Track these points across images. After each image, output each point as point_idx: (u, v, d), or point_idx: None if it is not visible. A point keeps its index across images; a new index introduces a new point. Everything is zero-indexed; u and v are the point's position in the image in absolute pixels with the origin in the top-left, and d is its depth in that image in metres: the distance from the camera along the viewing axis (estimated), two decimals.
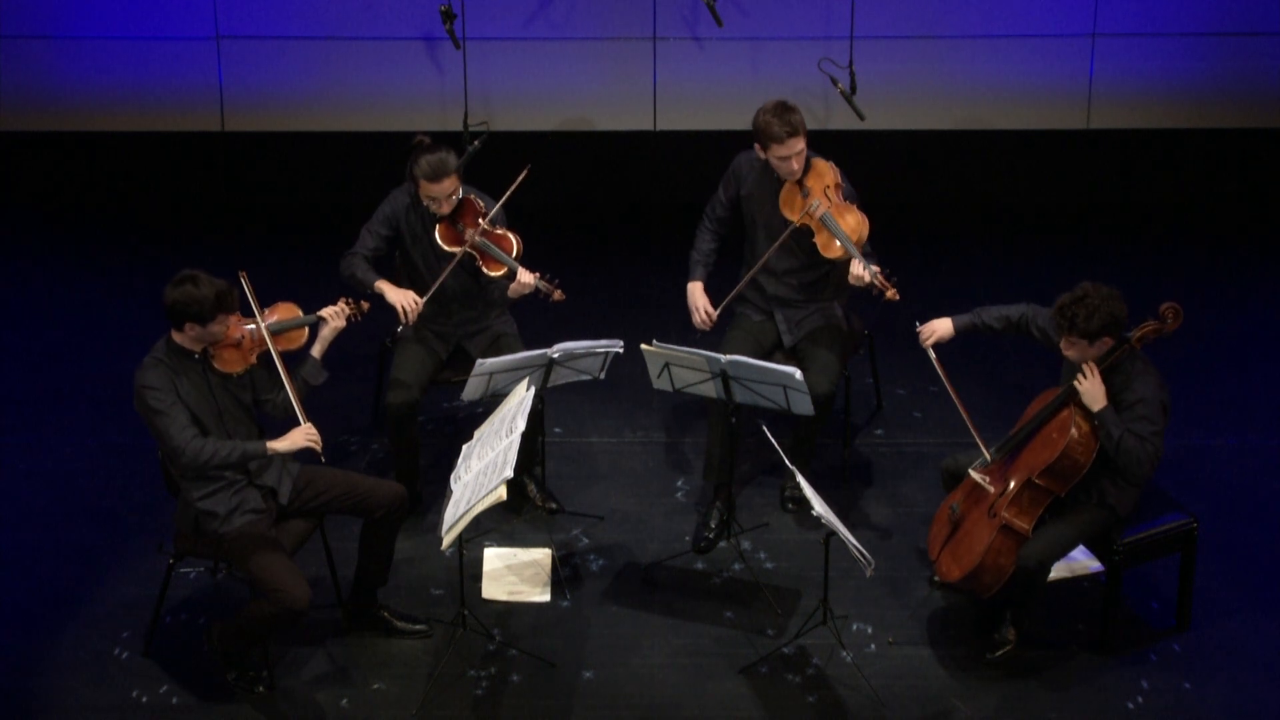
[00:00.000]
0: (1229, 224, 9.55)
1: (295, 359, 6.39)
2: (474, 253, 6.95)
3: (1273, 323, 8.63)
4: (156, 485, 6.71)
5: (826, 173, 6.95)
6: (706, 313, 7.10)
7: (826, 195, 6.90)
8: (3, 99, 9.57)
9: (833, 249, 6.86)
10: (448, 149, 6.89)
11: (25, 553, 6.99)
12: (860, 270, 6.73)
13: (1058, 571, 6.73)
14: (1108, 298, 6.09)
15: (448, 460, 6.74)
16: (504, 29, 9.42)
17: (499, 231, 7.00)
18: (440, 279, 6.95)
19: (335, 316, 6.45)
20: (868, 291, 6.78)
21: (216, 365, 6.18)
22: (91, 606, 6.69)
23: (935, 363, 6.52)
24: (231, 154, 9.67)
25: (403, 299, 6.93)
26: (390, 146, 9.56)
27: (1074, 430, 6.15)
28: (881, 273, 6.71)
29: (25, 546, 7.02)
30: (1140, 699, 6.28)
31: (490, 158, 8.92)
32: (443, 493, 6.49)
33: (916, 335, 6.68)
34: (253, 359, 6.25)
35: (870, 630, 6.58)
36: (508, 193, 6.97)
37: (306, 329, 6.41)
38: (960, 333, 6.64)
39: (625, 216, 9.67)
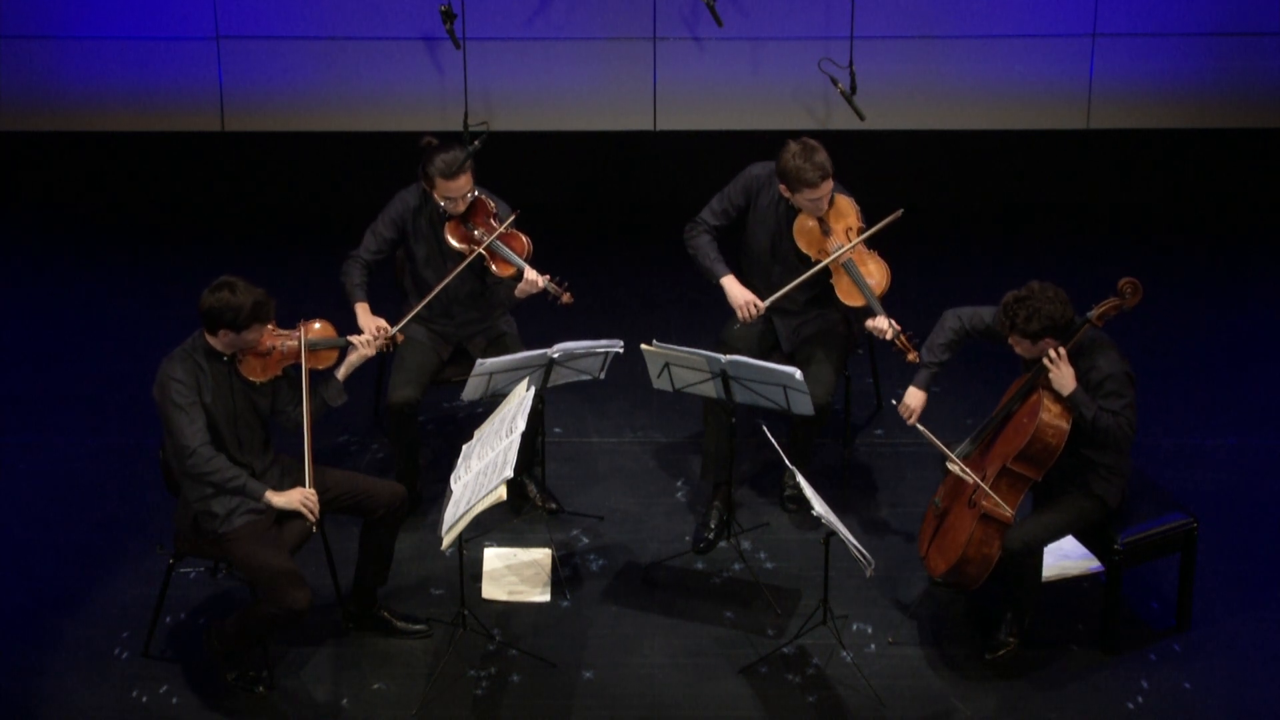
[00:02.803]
0: (1229, 224, 9.55)
1: (319, 378, 6.39)
2: (485, 253, 6.95)
3: (1272, 323, 8.63)
4: (156, 485, 6.71)
5: (849, 212, 6.92)
6: (755, 305, 7.01)
7: (848, 237, 6.87)
8: (3, 99, 9.57)
9: (854, 298, 6.83)
10: (460, 147, 6.90)
11: (25, 553, 6.99)
12: (883, 324, 6.71)
13: (1058, 571, 6.73)
14: (1050, 300, 6.11)
15: (448, 460, 6.75)
16: (504, 29, 9.41)
17: (510, 232, 7.00)
18: (449, 278, 6.94)
19: (365, 345, 6.47)
20: (891, 347, 6.77)
21: (242, 370, 6.19)
22: (91, 606, 6.69)
23: (929, 436, 6.46)
24: (231, 154, 9.67)
25: (372, 327, 6.85)
26: (390, 146, 9.58)
27: (1043, 414, 6.17)
28: (903, 333, 6.69)
29: (25, 546, 7.02)
30: (1140, 699, 6.28)
31: (490, 158, 8.91)
32: (443, 493, 6.49)
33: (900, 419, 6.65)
34: (278, 370, 6.26)
35: (870, 630, 6.58)
36: (500, 228, 6.96)
37: (337, 350, 6.41)
38: (928, 388, 6.62)
39: (625, 216, 9.67)
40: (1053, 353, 6.17)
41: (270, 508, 6.16)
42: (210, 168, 9.70)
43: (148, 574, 6.76)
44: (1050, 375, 6.19)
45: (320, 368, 6.37)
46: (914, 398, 6.64)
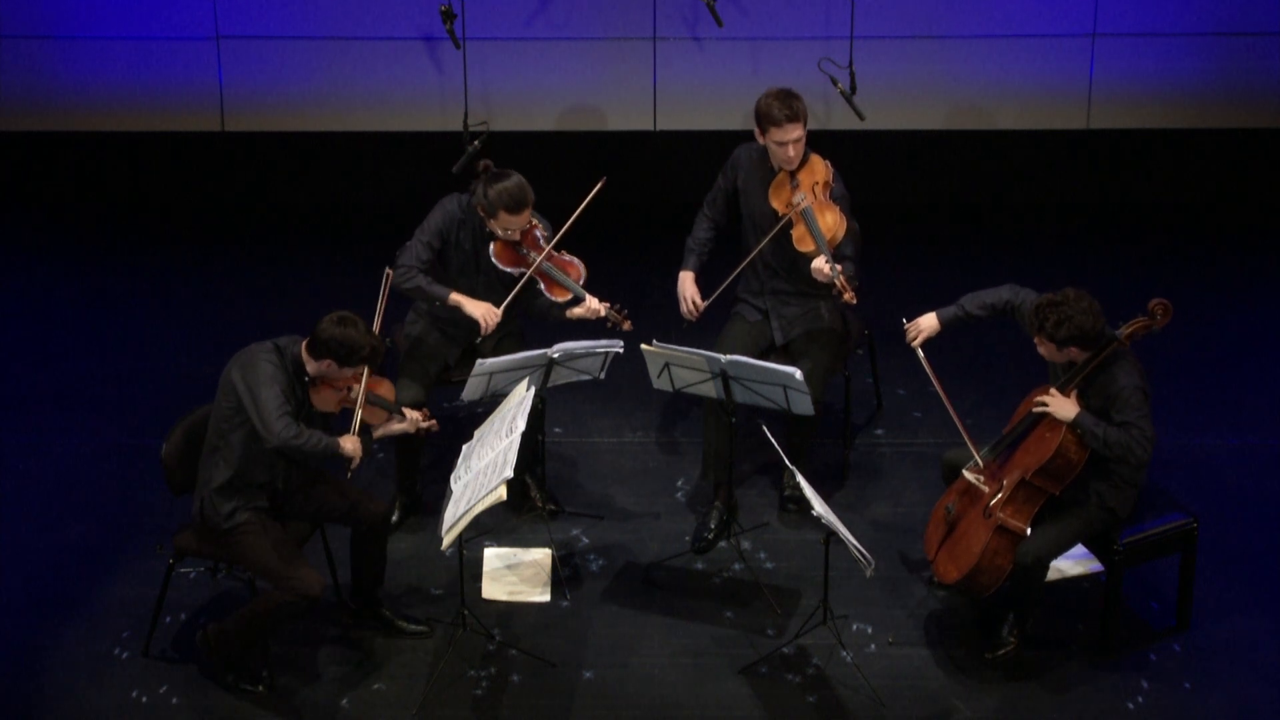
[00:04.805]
0: (1229, 224, 9.55)
1: (347, 421, 6.40)
2: (537, 276, 6.93)
3: (1273, 322, 8.63)
4: (156, 485, 6.71)
5: (820, 170, 6.97)
6: (694, 303, 7.13)
7: (814, 191, 6.92)
8: (3, 99, 9.57)
9: (806, 243, 6.88)
10: (519, 175, 6.86)
11: (25, 553, 6.99)
12: (823, 265, 6.75)
13: (1058, 571, 6.73)
14: (1083, 311, 6.06)
15: (448, 460, 6.75)
16: (504, 29, 9.42)
17: (564, 257, 6.99)
18: (510, 297, 6.91)
19: (410, 424, 6.45)
20: (830, 290, 6.80)
21: (311, 395, 6.22)
22: (91, 606, 6.69)
23: (924, 361, 6.50)
24: (231, 154, 9.67)
25: (484, 311, 6.88)
26: (390, 146, 9.58)
27: (1066, 429, 6.15)
28: (844, 273, 6.72)
29: (25, 546, 7.02)
30: (1140, 699, 6.28)
31: (490, 158, 8.91)
32: (443, 493, 6.50)
33: (904, 334, 6.68)
34: (338, 409, 6.31)
35: (870, 630, 6.58)
36: (582, 205, 6.95)
37: (387, 412, 6.41)
38: (946, 326, 6.63)
39: (625, 216, 9.67)
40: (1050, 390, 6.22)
41: (343, 454, 6.19)
42: (210, 168, 9.71)
43: (148, 574, 6.75)
44: (1049, 410, 6.18)
45: (369, 423, 6.38)
46: (927, 321, 6.64)
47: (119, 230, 9.53)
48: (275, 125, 9.62)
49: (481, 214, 6.87)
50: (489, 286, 6.98)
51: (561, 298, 6.97)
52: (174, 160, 9.68)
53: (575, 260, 7.02)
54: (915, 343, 6.61)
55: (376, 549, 6.46)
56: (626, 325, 6.96)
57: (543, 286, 6.96)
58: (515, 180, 6.82)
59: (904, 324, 6.67)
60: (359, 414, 6.28)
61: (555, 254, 6.97)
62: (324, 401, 6.26)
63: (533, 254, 6.93)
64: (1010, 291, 6.53)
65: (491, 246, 6.93)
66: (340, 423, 6.34)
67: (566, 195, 9.72)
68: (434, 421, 6.54)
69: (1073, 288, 6.13)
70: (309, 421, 6.25)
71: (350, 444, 6.22)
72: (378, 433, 6.43)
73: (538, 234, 6.97)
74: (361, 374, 6.25)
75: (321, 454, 6.16)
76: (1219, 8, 9.43)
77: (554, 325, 7.39)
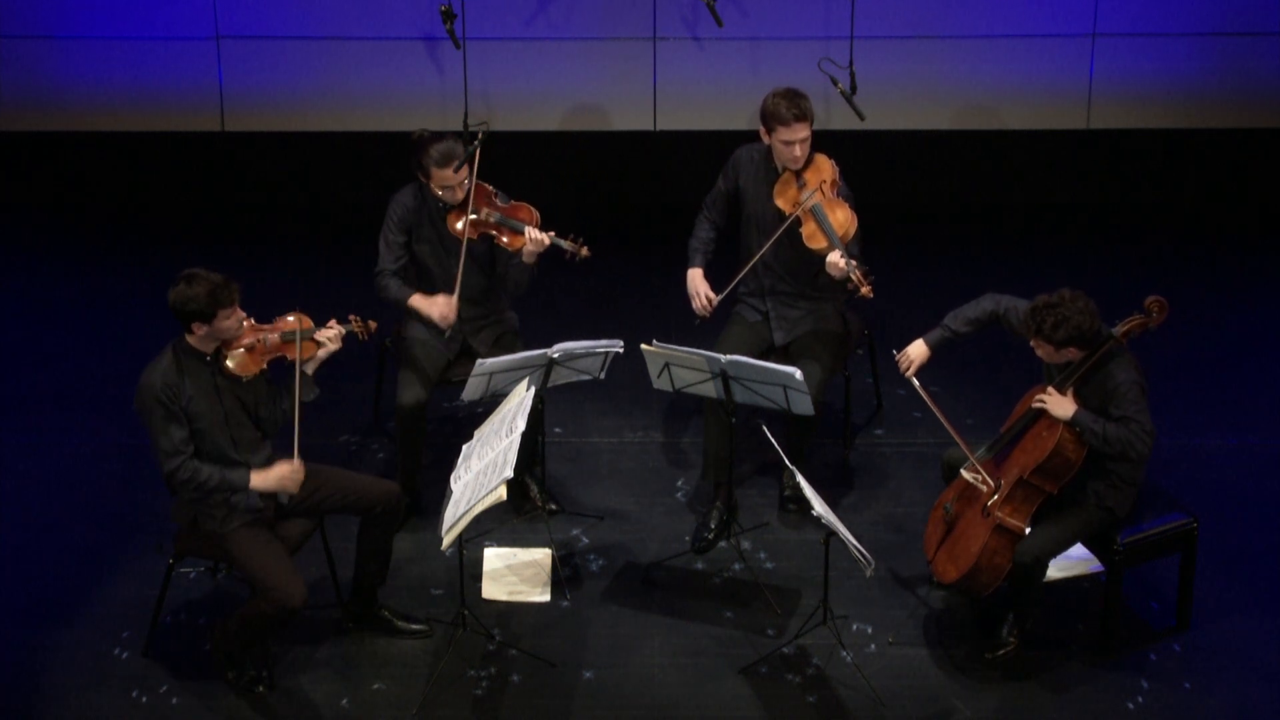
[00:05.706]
0: (1229, 224, 9.55)
1: (289, 372, 6.34)
2: (493, 232, 6.94)
3: (1273, 322, 8.63)
4: (156, 485, 6.70)
5: (826, 169, 6.98)
6: (708, 298, 7.11)
7: (822, 190, 6.93)
8: (3, 99, 9.57)
9: (817, 239, 6.88)
10: (452, 136, 6.90)
11: (25, 553, 6.99)
12: (839, 260, 6.74)
13: (1058, 571, 6.73)
14: (1080, 311, 6.06)
15: (448, 460, 6.75)
16: (504, 29, 9.42)
17: (512, 204, 7.00)
18: (459, 270, 6.92)
19: (331, 340, 6.32)
20: (845, 285, 6.80)
21: (229, 366, 6.16)
22: (91, 606, 6.69)
23: (920, 390, 6.48)
24: (231, 154, 9.67)
25: (440, 311, 6.91)
26: (390, 146, 9.57)
27: (1064, 428, 6.16)
28: (860, 268, 6.72)
29: (25, 546, 7.02)
30: (1140, 699, 6.28)
31: (490, 158, 8.91)
32: (443, 493, 6.50)
33: (897, 364, 6.67)
34: (264, 364, 6.23)
35: (870, 630, 6.58)
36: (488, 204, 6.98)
37: (314, 344, 6.30)
38: (935, 349, 6.62)
39: (625, 216, 9.67)
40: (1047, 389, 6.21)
41: (257, 492, 6.14)
42: (210, 168, 9.71)
43: (148, 574, 6.75)
44: (1047, 408, 6.18)
45: (305, 358, 6.31)
46: (917, 349, 6.63)
47: (119, 230, 9.53)
48: (275, 125, 9.62)
49: (424, 182, 6.90)
50: (466, 267, 6.98)
51: (519, 245, 6.96)
52: (174, 160, 9.68)
53: (529, 206, 7.02)
54: (909, 373, 6.61)
55: (384, 538, 6.43)
56: (584, 252, 6.93)
57: (505, 241, 6.95)
58: (442, 140, 6.86)
59: (894, 355, 6.66)
60: (299, 375, 6.21)
61: (504, 204, 6.97)
62: (246, 365, 6.17)
63: (484, 211, 6.94)
64: (992, 301, 6.52)
65: (448, 220, 6.95)
66: (279, 375, 6.27)
67: (567, 195, 9.76)
68: (359, 321, 6.39)
69: (1067, 288, 6.14)
70: (242, 395, 6.19)
71: (263, 479, 6.11)
72: (310, 368, 6.27)
73: (489, 196, 6.98)
74: (236, 315, 6.08)
75: (221, 487, 6.06)
76: (1219, 8, 9.43)
77: (553, 325, 7.39)
